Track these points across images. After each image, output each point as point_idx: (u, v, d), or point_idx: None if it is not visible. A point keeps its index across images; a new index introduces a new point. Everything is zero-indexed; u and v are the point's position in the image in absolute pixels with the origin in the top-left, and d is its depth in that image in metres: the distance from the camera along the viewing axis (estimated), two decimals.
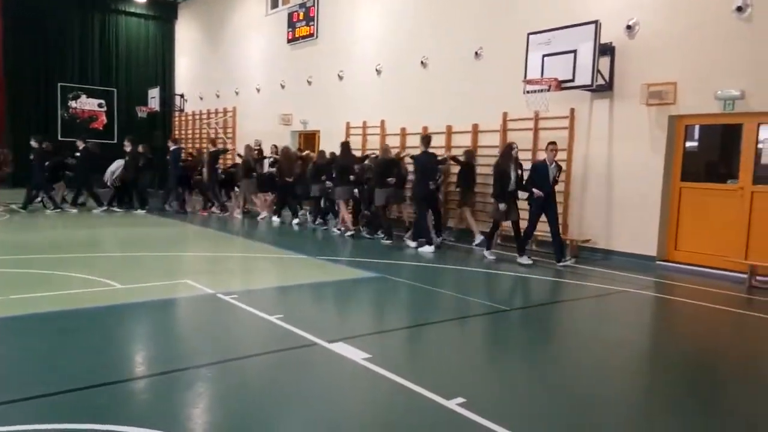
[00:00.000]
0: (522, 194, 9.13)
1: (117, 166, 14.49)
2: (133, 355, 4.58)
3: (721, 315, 6.48)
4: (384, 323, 5.78)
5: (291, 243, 10.69)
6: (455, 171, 11.27)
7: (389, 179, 10.48)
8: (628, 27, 9.20)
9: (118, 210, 13.89)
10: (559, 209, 9.44)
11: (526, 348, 5.20)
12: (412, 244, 10.04)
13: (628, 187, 9.34)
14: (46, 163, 13.43)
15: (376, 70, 13.91)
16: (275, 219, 13.12)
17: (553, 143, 8.97)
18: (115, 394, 3.65)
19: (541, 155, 10.05)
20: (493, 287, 7.73)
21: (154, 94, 21.55)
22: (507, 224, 9.30)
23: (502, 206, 8.85)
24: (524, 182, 9.04)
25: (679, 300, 7.17)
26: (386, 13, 13.83)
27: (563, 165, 9.48)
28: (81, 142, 13.92)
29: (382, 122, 13.66)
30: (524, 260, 8.74)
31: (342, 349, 4.52)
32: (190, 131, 22.15)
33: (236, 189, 14.62)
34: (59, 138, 20.08)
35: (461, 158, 10.90)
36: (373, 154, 11.88)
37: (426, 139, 10.24)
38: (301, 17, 16.35)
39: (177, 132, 22.86)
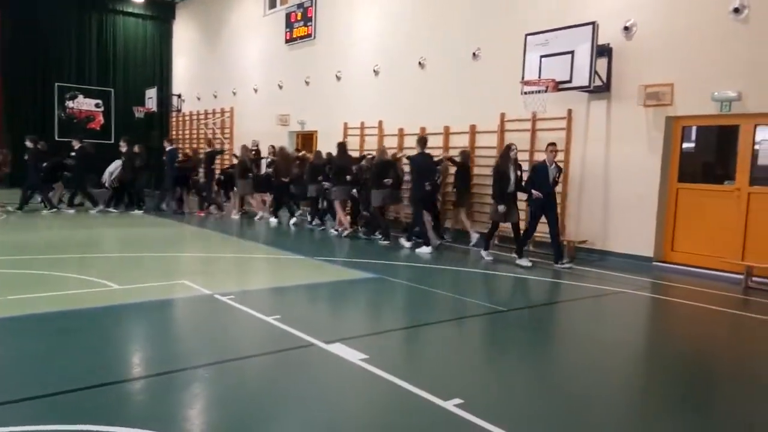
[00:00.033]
0: (522, 195, 9.12)
1: (115, 166, 14.46)
2: (130, 355, 4.57)
3: (718, 316, 6.50)
4: (381, 324, 5.78)
5: (288, 243, 10.70)
6: (452, 172, 11.28)
7: (386, 180, 10.49)
8: (626, 28, 9.22)
9: (114, 210, 13.86)
10: (558, 210, 9.44)
11: (524, 349, 5.21)
12: (407, 244, 10.05)
13: (625, 188, 9.36)
14: (44, 164, 13.42)
15: (374, 70, 13.91)
16: (272, 219, 13.11)
17: (553, 144, 8.96)
18: (113, 395, 3.65)
19: (538, 156, 10.09)
20: (491, 288, 7.74)
21: (151, 94, 21.54)
22: (506, 225, 9.28)
23: (501, 208, 8.82)
24: (524, 183, 9.02)
25: (676, 301, 7.19)
26: (384, 14, 13.83)
27: (560, 166, 9.47)
28: (77, 142, 13.89)
29: (380, 123, 13.67)
30: (523, 262, 8.69)
31: (339, 350, 4.53)
32: (187, 132, 22.13)
33: (235, 189, 14.61)
34: (56, 138, 20.06)
35: (457, 159, 10.91)
36: (370, 154, 11.88)
37: (422, 140, 10.25)
38: (299, 18, 16.34)
39: (174, 132, 22.85)
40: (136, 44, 23.09)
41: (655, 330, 6.29)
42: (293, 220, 12.90)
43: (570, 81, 9.17)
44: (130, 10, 22.62)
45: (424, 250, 9.62)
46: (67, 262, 7.77)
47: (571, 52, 9.12)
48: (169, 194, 14.58)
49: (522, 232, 9.08)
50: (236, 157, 14.81)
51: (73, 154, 13.73)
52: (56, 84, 21.16)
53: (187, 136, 21.85)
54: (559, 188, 9.67)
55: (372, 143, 13.50)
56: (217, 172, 15.42)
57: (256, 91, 18.38)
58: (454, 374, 4.28)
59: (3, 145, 17.38)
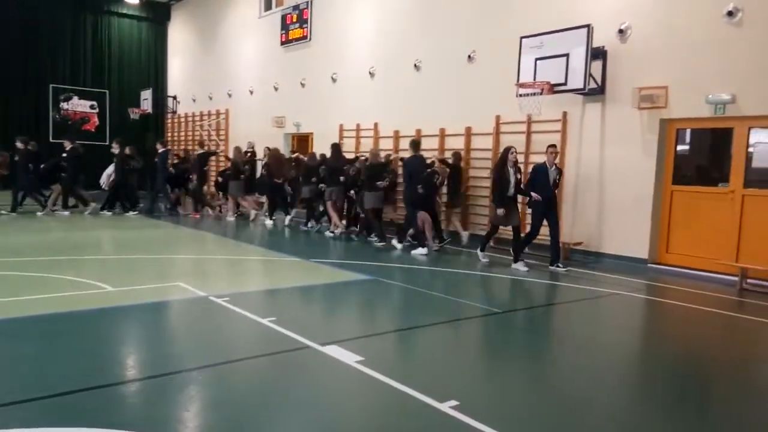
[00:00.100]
0: (522, 198, 9.07)
1: (114, 168, 14.41)
2: (125, 358, 4.55)
3: (713, 318, 6.51)
4: (377, 326, 5.77)
5: (283, 245, 10.69)
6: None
7: (378, 183, 10.48)
8: (620, 31, 9.26)
9: (108, 213, 13.80)
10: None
11: (519, 351, 5.21)
12: (399, 246, 10.04)
13: (620, 191, 9.39)
14: (43, 166, 13.39)
15: (370, 72, 13.92)
16: (268, 221, 13.09)
17: (553, 146, 8.95)
18: (108, 398, 3.63)
19: (533, 159, 10.11)
20: (486, 290, 7.73)
21: (146, 95, 21.51)
22: (506, 227, 9.23)
23: (500, 211, 8.73)
24: (523, 186, 8.98)
25: (671, 303, 7.21)
26: (380, 16, 13.85)
27: (561, 168, 9.41)
28: (68, 142, 13.83)
29: (376, 125, 13.67)
30: (520, 266, 8.59)
31: (335, 351, 4.52)
32: (182, 133, 22.09)
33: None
34: (51, 140, 20.01)
35: (449, 161, 10.92)
36: (363, 156, 11.89)
37: (415, 143, 10.25)
38: (294, 19, 16.35)
39: (170, 134, 22.82)
40: (131, 46, 23.06)
41: (650, 332, 6.31)
42: (287, 221, 12.91)
43: (565, 83, 9.20)
44: (125, 11, 22.61)
45: (420, 252, 9.61)
46: (61, 264, 7.73)
47: (566, 55, 9.15)
48: (163, 196, 14.51)
49: (525, 235, 9.03)
50: (229, 159, 14.79)
51: (64, 155, 13.68)
52: (51, 85, 21.11)
53: (183, 138, 21.80)
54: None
55: (368, 145, 13.51)
56: (214, 173, 15.39)
57: (251, 92, 18.37)
58: (449, 376, 4.28)
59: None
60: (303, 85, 16.10)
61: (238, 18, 19.26)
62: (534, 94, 9.45)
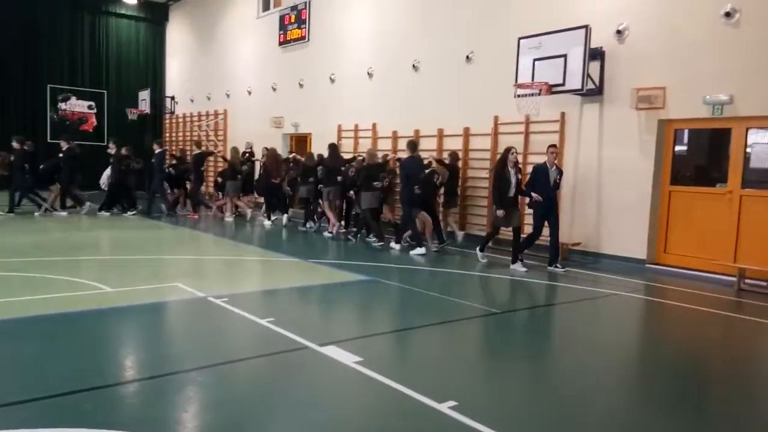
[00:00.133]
0: (525, 199, 9.00)
1: (110, 168, 14.37)
2: (123, 359, 4.55)
3: (711, 318, 6.52)
4: (375, 326, 5.77)
5: (281, 246, 10.69)
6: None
7: (375, 183, 10.47)
8: (618, 32, 9.27)
9: (106, 213, 13.78)
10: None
11: (518, 351, 5.21)
12: (396, 247, 10.04)
13: (618, 191, 9.40)
14: (42, 166, 13.37)
15: (368, 73, 13.92)
16: (266, 222, 13.09)
17: (554, 146, 8.94)
18: (107, 398, 3.63)
19: (531, 159, 10.12)
20: (484, 290, 7.73)
21: (144, 96, 21.48)
22: (506, 228, 9.22)
23: (500, 212, 8.69)
24: (524, 186, 8.94)
25: (669, 303, 7.22)
26: (378, 16, 13.86)
27: (561, 168, 9.37)
28: (65, 142, 13.80)
29: (374, 125, 13.68)
30: (518, 267, 8.59)
31: (333, 352, 4.52)
32: (180, 133, 22.07)
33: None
34: (48, 140, 19.98)
35: (446, 161, 10.92)
36: (360, 156, 11.89)
37: (412, 144, 10.24)
38: (292, 20, 16.35)
39: (168, 134, 22.80)
40: (129, 46, 23.04)
41: (648, 332, 6.32)
42: (284, 221, 12.92)
43: (563, 84, 9.21)
44: (123, 11, 22.58)
45: (418, 252, 9.61)
46: (59, 265, 7.72)
47: (564, 56, 9.15)
48: (160, 196, 14.46)
49: (526, 236, 9.03)
50: (225, 160, 14.78)
51: (60, 155, 13.65)
52: (48, 86, 21.08)
53: (181, 138, 21.79)
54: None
55: (366, 146, 13.50)
56: (212, 173, 15.37)
57: (249, 93, 18.36)
58: (448, 376, 4.28)
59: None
60: (301, 85, 16.10)
61: (236, 18, 19.25)
62: (532, 94, 9.46)
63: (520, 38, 9.81)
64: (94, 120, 22.25)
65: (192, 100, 21.49)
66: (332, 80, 15.02)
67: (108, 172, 14.44)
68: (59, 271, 7.23)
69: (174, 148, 20.02)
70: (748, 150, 8.39)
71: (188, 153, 15.59)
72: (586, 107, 9.79)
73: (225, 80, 19.54)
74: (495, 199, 8.86)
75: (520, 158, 10.23)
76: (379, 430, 3.43)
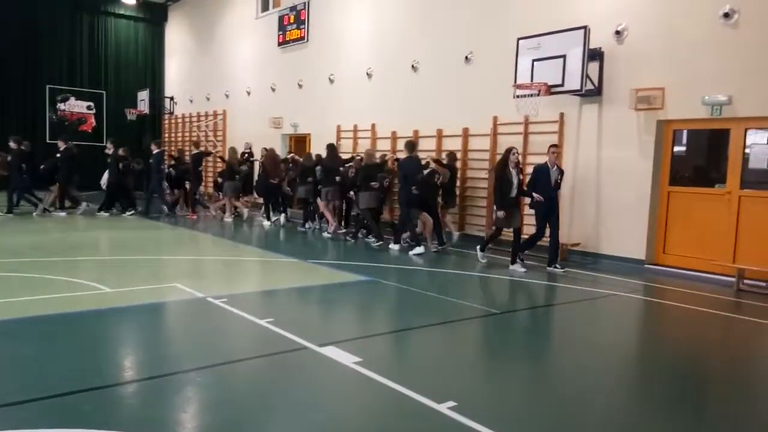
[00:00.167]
0: (526, 199, 8.96)
1: (108, 169, 14.37)
2: (122, 359, 4.54)
3: (710, 318, 6.53)
4: (374, 327, 5.77)
5: (281, 246, 10.69)
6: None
7: (372, 183, 10.47)
8: (617, 32, 9.28)
9: (105, 213, 13.76)
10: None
11: (517, 351, 5.22)
12: (396, 247, 10.03)
13: (617, 192, 9.40)
14: (42, 166, 13.37)
15: (367, 73, 13.93)
16: (265, 222, 13.09)
17: (555, 145, 8.92)
18: (105, 399, 3.63)
19: (530, 159, 10.12)
20: (484, 291, 7.74)
21: (143, 96, 21.47)
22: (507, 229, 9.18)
23: (500, 213, 8.66)
24: (525, 186, 8.91)
25: (668, 303, 7.22)
26: (377, 17, 13.86)
27: (563, 168, 9.31)
28: (62, 142, 13.79)
29: (373, 126, 13.68)
30: (518, 267, 8.57)
31: (332, 352, 4.52)
32: (179, 134, 22.06)
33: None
34: (47, 140, 19.96)
35: (444, 161, 10.92)
36: (358, 156, 11.88)
37: (410, 144, 10.23)
38: (291, 20, 16.35)
39: (167, 135, 22.80)
40: (128, 46, 23.03)
41: (648, 332, 6.32)
42: (282, 221, 12.98)
43: (562, 85, 9.21)
44: (122, 12, 22.57)
45: (416, 251, 9.60)
46: (58, 266, 7.72)
47: (563, 56, 9.16)
48: (158, 197, 14.44)
49: (528, 237, 9.01)
50: (223, 160, 14.78)
51: (57, 155, 13.65)
52: (47, 86, 21.06)
53: (180, 139, 21.78)
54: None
55: (365, 146, 13.51)
56: (211, 174, 15.36)
57: (248, 93, 18.36)
58: (447, 377, 4.28)
59: None
60: (300, 86, 16.10)
61: (235, 19, 19.25)
62: (531, 95, 9.47)
63: (519, 39, 9.82)
64: (93, 120, 22.23)
65: (191, 101, 21.48)
66: (331, 81, 15.02)
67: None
68: (58, 271, 7.23)
69: (172, 148, 20.02)
70: (747, 151, 8.40)
71: (187, 153, 15.56)
72: (585, 108, 9.80)
73: (224, 81, 19.54)
74: (496, 200, 8.84)
75: (520, 159, 10.23)
76: (378, 430, 3.43)
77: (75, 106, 21.80)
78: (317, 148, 13.56)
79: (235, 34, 19.27)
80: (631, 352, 5.43)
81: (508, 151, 8.77)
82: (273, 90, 17.21)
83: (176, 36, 23.06)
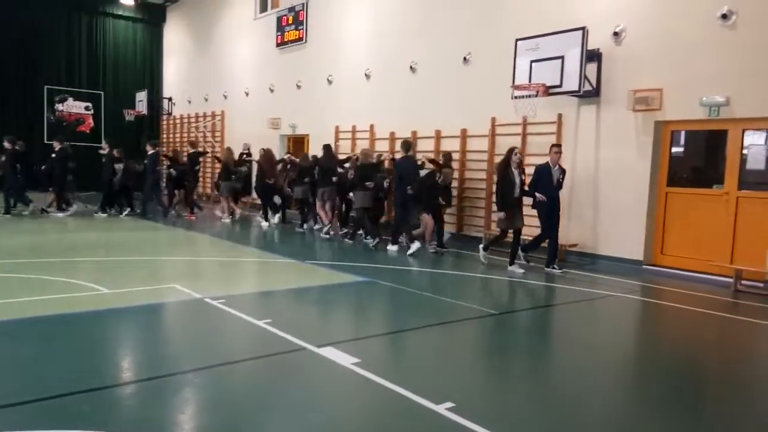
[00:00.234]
0: (527, 200, 8.92)
1: (117, 170, 14.32)
2: (120, 360, 4.54)
3: (707, 319, 6.54)
4: (373, 328, 5.77)
5: (278, 247, 10.69)
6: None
7: (367, 183, 10.47)
8: (615, 34, 9.29)
9: (103, 214, 13.75)
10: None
11: (515, 352, 5.22)
12: (393, 248, 10.03)
13: (615, 192, 9.42)
14: (43, 167, 13.35)
15: (366, 74, 13.93)
16: (263, 223, 13.08)
17: (557, 145, 8.92)
18: (104, 400, 3.63)
19: (529, 160, 10.11)
20: (482, 291, 7.74)
21: (141, 97, 21.45)
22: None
23: (500, 215, 8.63)
24: (527, 187, 8.86)
25: (666, 304, 7.24)
26: (375, 18, 13.87)
27: (564, 168, 9.22)
28: (57, 143, 13.77)
29: (371, 126, 13.68)
30: (516, 269, 8.56)
31: (331, 353, 4.52)
32: (178, 135, 22.05)
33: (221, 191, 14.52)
34: (45, 141, 19.90)
35: (439, 161, 10.91)
36: (355, 155, 11.88)
37: (406, 144, 10.23)
38: (290, 21, 16.35)
39: (165, 135, 22.79)
40: (126, 47, 23.02)
41: (645, 333, 6.33)
42: (275, 221, 13.08)
43: (560, 86, 9.23)
44: (120, 12, 22.56)
45: (413, 248, 9.58)
46: (56, 266, 7.71)
47: (561, 57, 9.18)
48: (155, 198, 14.41)
49: (533, 238, 9.00)
50: (219, 160, 14.77)
51: (53, 155, 13.63)
52: (45, 87, 21.03)
53: (178, 140, 21.77)
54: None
55: (363, 147, 13.50)
56: (210, 174, 15.34)
57: (247, 94, 18.36)
58: (445, 378, 4.28)
59: None
60: (299, 86, 16.10)
61: (234, 20, 19.25)
62: (529, 96, 9.48)
63: (517, 40, 9.84)
64: (91, 121, 22.19)
65: (189, 102, 21.47)
66: (330, 81, 15.03)
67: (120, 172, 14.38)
68: (56, 272, 7.22)
69: (167, 148, 19.99)
70: (745, 151, 8.42)
71: (184, 153, 15.53)
72: (583, 109, 9.81)
73: (222, 81, 19.54)
74: (497, 201, 8.77)
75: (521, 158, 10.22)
76: (376, 431, 3.43)
77: (73, 106, 21.77)
78: (316, 149, 13.57)
79: (233, 34, 19.27)
80: (628, 352, 5.44)
81: (510, 151, 8.73)
82: (271, 91, 17.21)
83: (174, 37, 23.06)
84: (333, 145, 12.76)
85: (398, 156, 11.47)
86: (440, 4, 12.18)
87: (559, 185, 8.81)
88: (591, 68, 9.33)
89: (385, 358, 4.81)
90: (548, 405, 3.88)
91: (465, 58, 11.60)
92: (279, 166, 13.45)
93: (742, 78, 8.01)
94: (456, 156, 11.41)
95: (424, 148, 12.07)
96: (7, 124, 19.39)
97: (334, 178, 11.37)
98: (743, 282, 7.85)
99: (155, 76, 23.50)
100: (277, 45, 16.86)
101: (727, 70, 8.14)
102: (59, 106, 21.43)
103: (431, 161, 10.83)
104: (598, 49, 9.36)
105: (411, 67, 12.74)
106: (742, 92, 8.01)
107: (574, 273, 8.71)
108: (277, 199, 13.61)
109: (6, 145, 13.08)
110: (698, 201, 8.79)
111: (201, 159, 15.20)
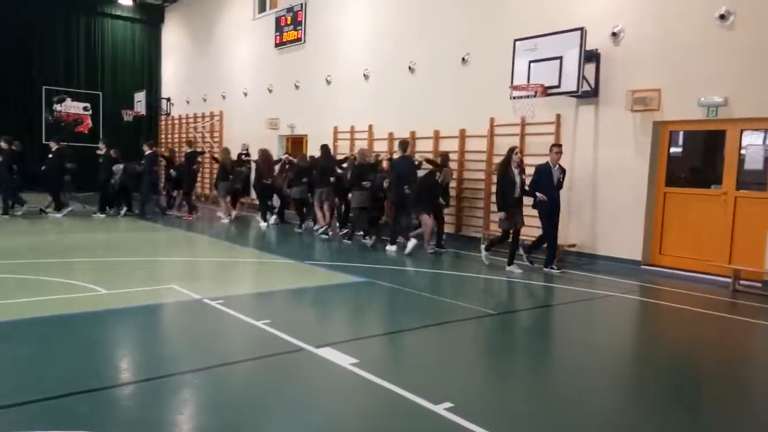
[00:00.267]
0: (528, 200, 8.92)
1: (116, 170, 14.32)
2: (119, 361, 4.54)
3: (706, 319, 6.54)
4: (371, 328, 5.77)
5: (277, 247, 10.68)
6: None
7: (364, 183, 10.47)
8: (614, 34, 9.30)
9: (101, 215, 13.73)
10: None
11: (514, 352, 5.23)
12: (392, 248, 10.03)
13: (614, 193, 9.42)
14: (43, 168, 13.35)
15: (364, 75, 13.93)
16: (262, 223, 13.08)
17: (558, 145, 8.92)
18: (102, 401, 3.62)
19: (528, 161, 10.11)
20: (481, 291, 7.73)
21: (140, 97, 21.43)
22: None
23: (501, 215, 8.62)
24: (528, 187, 8.85)
25: (664, 304, 7.24)
26: (374, 18, 13.87)
27: (564, 168, 9.20)
28: (54, 143, 13.76)
29: (370, 127, 13.69)
30: (514, 269, 8.55)
31: (329, 354, 4.51)
32: (176, 135, 22.04)
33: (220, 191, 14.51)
34: (43, 142, 19.88)
35: (437, 161, 10.91)
36: (352, 155, 11.88)
37: (403, 144, 10.22)
38: (288, 21, 16.34)
39: (163, 136, 22.78)
40: (124, 47, 23.00)
41: (644, 333, 6.33)
42: (272, 220, 13.08)
43: (558, 86, 9.24)
44: (118, 13, 22.55)
45: (409, 246, 9.58)
46: (54, 267, 7.70)
47: (560, 58, 9.19)
48: (152, 198, 14.39)
49: (536, 239, 9.00)
50: (216, 160, 14.76)
51: (49, 156, 13.61)
52: (43, 87, 21.01)
53: (177, 140, 21.75)
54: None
55: (362, 147, 13.50)
56: (209, 175, 15.32)
57: (245, 94, 18.35)
58: (444, 378, 4.28)
59: None
60: (297, 87, 16.10)
61: (232, 20, 19.24)
62: (528, 96, 9.48)
63: (515, 40, 9.84)
64: (89, 122, 22.18)
65: (188, 102, 21.46)
66: (328, 82, 15.03)
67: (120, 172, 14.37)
68: (54, 273, 7.21)
69: (165, 148, 19.96)
70: (743, 152, 8.43)
71: (181, 154, 15.54)
72: (582, 109, 9.82)
73: (221, 82, 19.53)
74: (498, 201, 8.77)
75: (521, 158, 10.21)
76: (375, 431, 3.43)
77: (71, 107, 21.76)
78: (314, 149, 13.56)
79: (232, 35, 19.26)
80: (627, 352, 5.44)
81: (511, 150, 8.72)
82: (270, 91, 17.21)
83: (173, 37, 23.04)
84: (331, 146, 12.75)
85: (396, 156, 11.51)
86: (438, 5, 12.18)
87: (560, 185, 8.81)
88: (589, 69, 9.33)
89: (383, 358, 4.81)
90: (547, 405, 3.88)
91: (463, 59, 11.60)
92: (277, 167, 13.45)
93: (740, 78, 8.02)
94: (454, 156, 11.43)
95: (423, 148, 12.08)
96: (5, 124, 19.36)
97: (332, 179, 11.37)
98: (741, 282, 7.86)
99: (154, 77, 23.49)
100: (276, 45, 16.85)
101: (725, 70, 8.15)
102: (57, 107, 21.42)
103: (428, 161, 10.83)
104: (597, 49, 9.37)
105: (409, 68, 12.74)
106: (740, 92, 8.02)
107: (573, 273, 8.71)
108: (275, 200, 13.61)
109: (2, 145, 13.06)
110: (696, 201, 8.80)
111: (199, 159, 15.19)
